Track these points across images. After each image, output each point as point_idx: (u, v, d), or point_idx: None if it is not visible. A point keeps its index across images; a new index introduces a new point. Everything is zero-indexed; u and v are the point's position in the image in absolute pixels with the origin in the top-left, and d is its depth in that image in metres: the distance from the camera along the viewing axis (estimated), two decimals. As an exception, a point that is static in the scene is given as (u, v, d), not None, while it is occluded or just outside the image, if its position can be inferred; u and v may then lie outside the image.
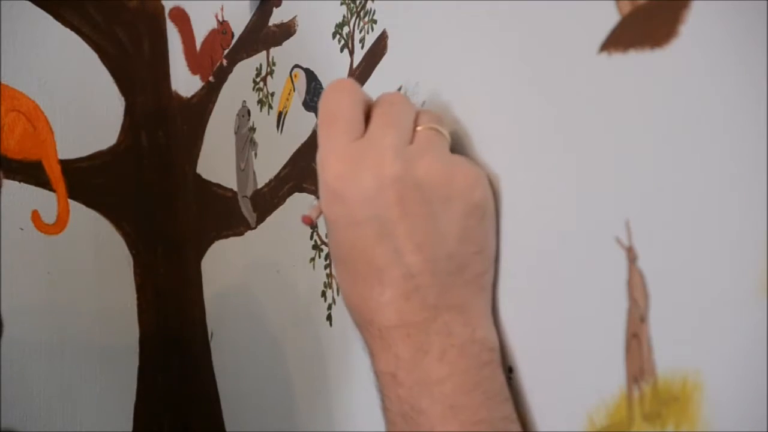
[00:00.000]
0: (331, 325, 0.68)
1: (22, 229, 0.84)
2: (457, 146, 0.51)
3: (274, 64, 0.77)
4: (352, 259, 0.47)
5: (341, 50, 0.66)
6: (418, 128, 0.48)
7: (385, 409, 0.47)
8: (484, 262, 0.47)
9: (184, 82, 0.93)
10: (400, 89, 0.58)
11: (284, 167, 0.75)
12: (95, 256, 0.89)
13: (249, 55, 0.81)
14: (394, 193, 0.45)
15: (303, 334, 0.72)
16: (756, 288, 0.34)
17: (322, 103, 0.49)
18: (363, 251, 0.46)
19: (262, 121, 0.79)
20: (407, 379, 0.45)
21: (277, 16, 0.76)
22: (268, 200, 0.78)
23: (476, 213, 0.47)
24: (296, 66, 0.73)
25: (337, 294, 0.67)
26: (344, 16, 0.65)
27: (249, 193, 0.81)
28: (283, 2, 0.75)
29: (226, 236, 0.86)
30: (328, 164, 0.47)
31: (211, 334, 0.90)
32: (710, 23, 0.36)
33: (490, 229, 0.48)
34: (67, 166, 0.87)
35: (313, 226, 0.51)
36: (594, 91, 0.42)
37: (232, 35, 0.84)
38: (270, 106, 0.77)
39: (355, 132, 0.47)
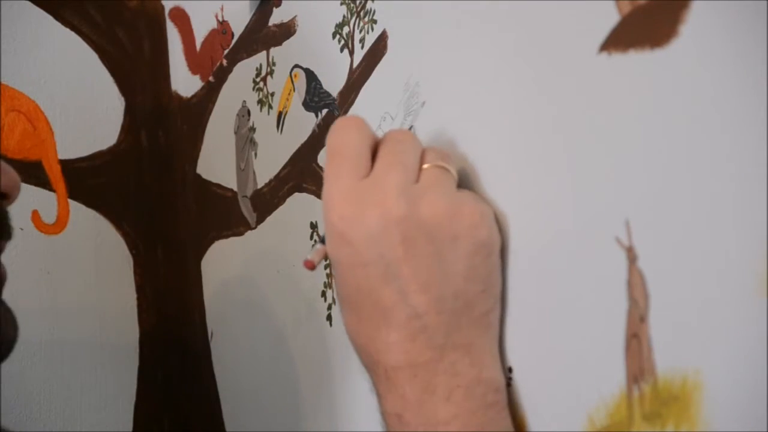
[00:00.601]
0: (331, 325, 0.68)
1: (22, 229, 0.84)
2: (462, 177, 0.50)
3: (274, 64, 0.77)
4: (358, 299, 0.47)
5: (341, 50, 0.66)
6: (425, 166, 0.48)
7: None
8: (489, 299, 0.47)
9: (184, 82, 0.93)
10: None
11: (284, 167, 0.75)
12: (95, 256, 0.89)
13: (249, 55, 0.81)
14: (398, 233, 0.45)
15: (303, 333, 0.72)
16: (756, 288, 0.34)
17: (329, 140, 0.49)
18: (369, 292, 0.46)
19: (262, 121, 0.79)
20: (413, 420, 0.45)
21: (277, 16, 0.76)
22: (268, 200, 0.78)
23: (482, 251, 0.47)
24: (296, 66, 0.73)
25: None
26: (344, 16, 0.65)
27: (249, 193, 0.81)
28: (283, 2, 0.75)
29: (226, 236, 0.86)
30: (333, 205, 0.47)
31: (211, 334, 0.90)
32: (710, 23, 0.36)
33: (496, 266, 0.48)
34: (67, 166, 0.87)
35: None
36: (594, 91, 0.42)
37: (232, 35, 0.84)
38: (270, 106, 0.77)
39: (361, 170, 0.47)
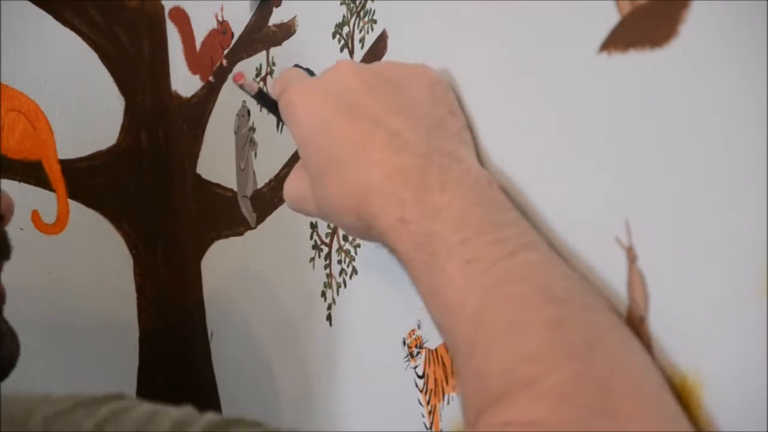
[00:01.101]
0: (331, 325, 0.68)
1: (22, 229, 0.84)
2: None
3: (274, 64, 0.77)
4: (335, 152, 0.48)
5: (341, 50, 0.66)
6: None
7: (398, 253, 0.46)
8: (458, 122, 0.50)
9: (184, 82, 0.93)
10: None
11: (284, 167, 0.75)
12: (95, 256, 0.89)
13: (249, 55, 0.81)
14: (356, 79, 0.48)
15: (303, 334, 0.72)
16: (756, 288, 0.34)
17: (278, 86, 0.53)
18: (343, 138, 0.47)
19: (262, 121, 0.79)
20: (414, 215, 0.45)
21: (277, 16, 0.76)
22: (268, 200, 0.78)
23: (439, 84, 0.50)
24: (296, 66, 0.73)
25: (337, 294, 0.67)
26: (344, 16, 0.65)
27: (249, 193, 0.81)
28: (283, 2, 0.75)
29: (226, 236, 0.86)
30: (292, 92, 0.50)
31: (211, 334, 0.90)
32: (710, 23, 0.36)
33: (456, 101, 0.51)
34: (67, 166, 0.88)
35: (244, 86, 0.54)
36: (594, 91, 0.42)
37: (232, 35, 0.84)
38: (270, 106, 0.77)
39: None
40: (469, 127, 0.50)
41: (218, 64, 0.86)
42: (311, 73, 0.71)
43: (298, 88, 0.50)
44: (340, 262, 0.66)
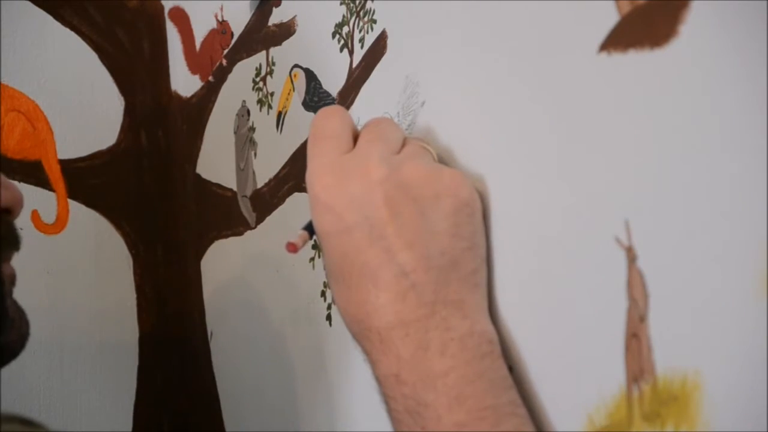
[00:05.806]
0: (330, 324, 0.68)
1: (21, 229, 0.83)
2: (449, 160, 0.51)
3: (273, 63, 0.77)
4: (346, 266, 0.47)
5: (341, 50, 0.66)
6: (406, 145, 0.50)
7: (391, 410, 0.47)
8: (475, 258, 0.48)
9: (184, 82, 0.93)
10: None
11: (284, 167, 0.75)
12: (95, 256, 0.89)
13: (248, 55, 0.81)
14: (381, 194, 0.46)
15: (303, 333, 0.72)
16: (756, 288, 0.34)
17: (312, 124, 0.50)
18: (356, 256, 0.47)
19: (262, 120, 0.79)
20: (410, 377, 0.45)
21: (277, 16, 0.76)
22: (267, 200, 0.78)
23: (465, 210, 0.48)
24: (296, 66, 0.73)
25: (337, 294, 0.67)
26: (344, 16, 0.65)
27: (249, 193, 0.81)
28: (283, 2, 0.75)
29: (226, 236, 0.86)
30: (316, 177, 0.48)
31: (211, 334, 0.90)
32: (710, 23, 0.36)
33: (480, 227, 0.49)
34: (66, 165, 0.87)
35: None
36: (594, 91, 0.42)
37: (232, 35, 0.84)
38: (269, 106, 0.77)
39: (342, 147, 0.49)
40: (488, 259, 0.49)
41: (218, 63, 0.86)
42: (311, 73, 0.71)
43: (324, 183, 0.48)
44: (340, 262, 0.66)
